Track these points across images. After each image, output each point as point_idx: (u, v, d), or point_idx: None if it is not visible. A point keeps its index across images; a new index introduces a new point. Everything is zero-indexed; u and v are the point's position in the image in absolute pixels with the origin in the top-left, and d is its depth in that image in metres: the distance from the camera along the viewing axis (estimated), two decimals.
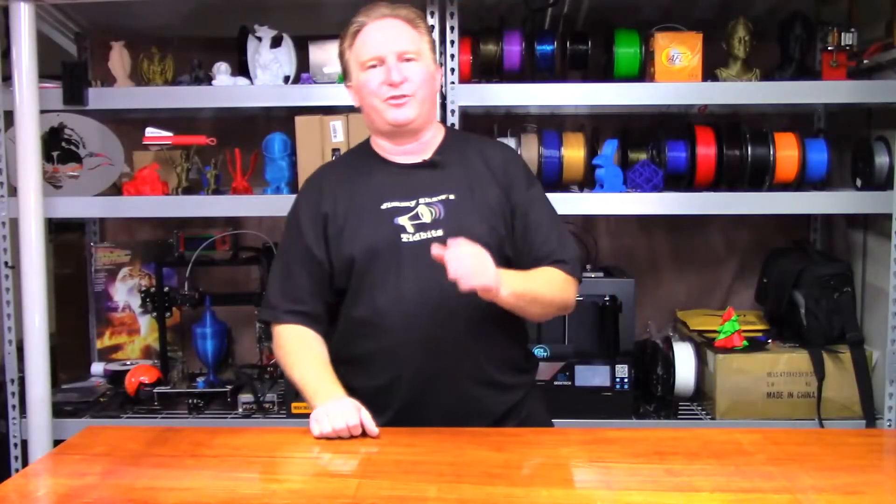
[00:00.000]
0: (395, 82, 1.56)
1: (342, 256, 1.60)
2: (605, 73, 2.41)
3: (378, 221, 1.58)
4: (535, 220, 1.62)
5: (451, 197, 1.60)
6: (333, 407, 1.46)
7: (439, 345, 1.54)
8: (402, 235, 1.57)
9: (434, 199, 1.60)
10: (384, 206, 1.60)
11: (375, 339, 1.58)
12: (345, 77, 1.67)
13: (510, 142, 2.35)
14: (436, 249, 1.44)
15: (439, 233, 1.56)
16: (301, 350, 1.61)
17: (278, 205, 2.33)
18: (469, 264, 1.41)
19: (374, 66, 1.58)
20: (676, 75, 2.25)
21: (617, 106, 2.38)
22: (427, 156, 1.65)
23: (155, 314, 2.50)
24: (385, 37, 1.58)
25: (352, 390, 1.55)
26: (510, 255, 1.61)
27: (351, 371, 1.61)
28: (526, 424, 1.62)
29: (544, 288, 1.58)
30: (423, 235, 1.57)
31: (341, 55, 1.64)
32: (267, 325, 1.76)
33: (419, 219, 1.58)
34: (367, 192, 1.63)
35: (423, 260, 1.51)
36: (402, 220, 1.58)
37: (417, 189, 1.61)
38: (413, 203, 1.59)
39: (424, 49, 1.62)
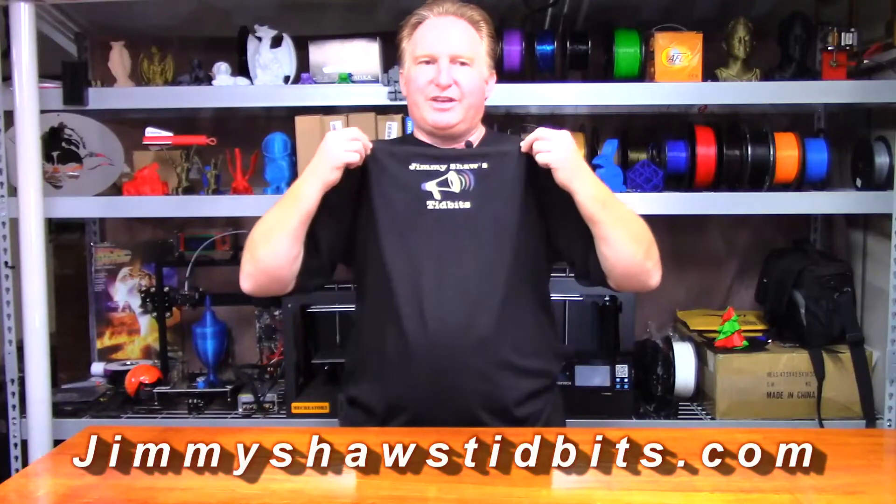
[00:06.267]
0: (443, 84, 1.54)
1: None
2: (605, 73, 2.41)
3: (403, 183, 1.54)
4: None
5: (484, 166, 1.55)
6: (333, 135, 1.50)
7: (452, 318, 1.47)
8: (428, 202, 1.53)
9: (465, 167, 1.54)
10: (412, 166, 1.55)
11: (389, 310, 1.51)
12: (399, 63, 1.66)
13: None
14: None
15: (466, 205, 1.52)
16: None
17: None
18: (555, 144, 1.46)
19: (425, 63, 1.56)
20: (676, 75, 2.25)
21: (617, 106, 2.38)
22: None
23: (155, 314, 2.50)
24: (442, 36, 1.56)
25: (362, 405, 1.60)
26: (538, 243, 1.56)
27: (364, 386, 1.60)
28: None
29: (634, 217, 1.51)
30: (450, 205, 1.52)
31: (398, 42, 1.63)
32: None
33: (448, 186, 1.54)
34: (397, 156, 1.57)
35: (445, 228, 1.49)
36: (430, 186, 1.54)
37: (449, 157, 1.56)
38: (444, 168, 1.54)
39: (481, 54, 1.59)
